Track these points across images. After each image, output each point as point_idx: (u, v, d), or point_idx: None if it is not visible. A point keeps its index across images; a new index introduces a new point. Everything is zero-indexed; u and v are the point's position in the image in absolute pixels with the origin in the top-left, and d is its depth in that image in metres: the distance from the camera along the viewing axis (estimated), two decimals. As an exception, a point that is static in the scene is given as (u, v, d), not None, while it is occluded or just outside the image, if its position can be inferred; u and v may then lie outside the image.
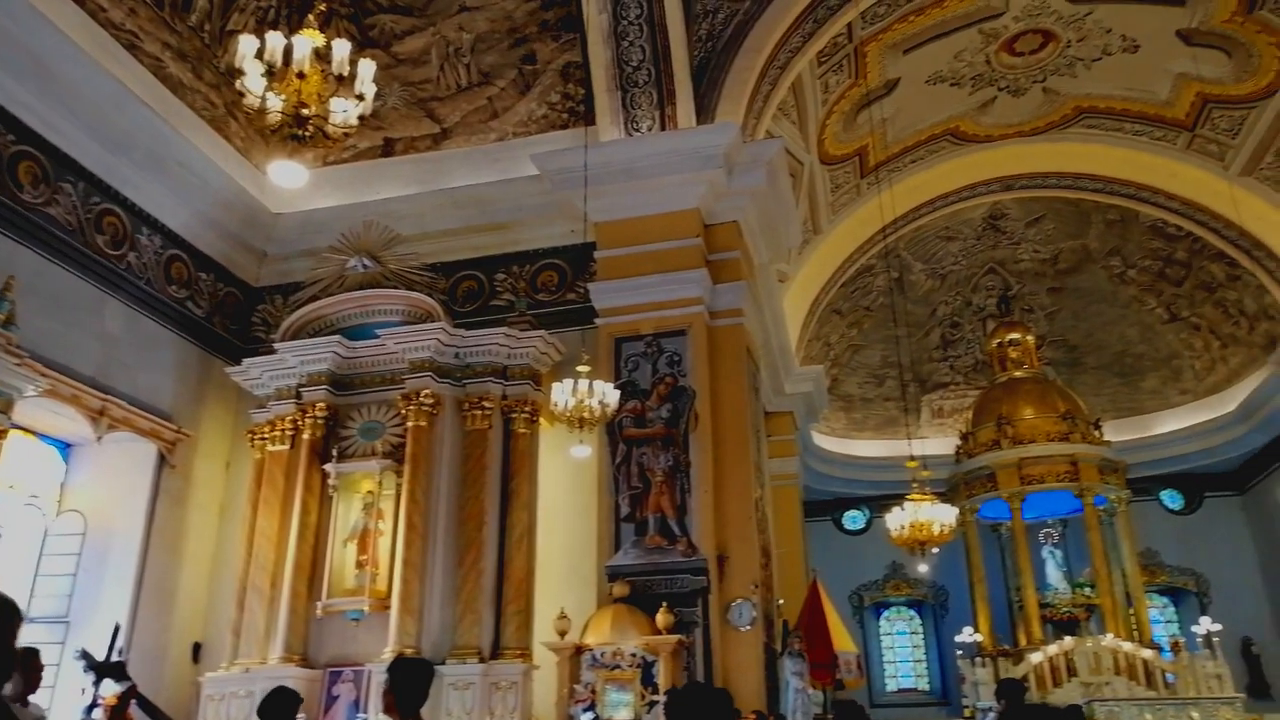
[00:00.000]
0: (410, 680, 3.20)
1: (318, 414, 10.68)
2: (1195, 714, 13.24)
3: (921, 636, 21.27)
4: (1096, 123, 15.73)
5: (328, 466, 10.44)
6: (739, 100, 11.38)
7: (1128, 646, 15.11)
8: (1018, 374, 18.10)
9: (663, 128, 11.35)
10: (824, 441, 19.81)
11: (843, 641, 12.15)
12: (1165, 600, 20.14)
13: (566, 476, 10.70)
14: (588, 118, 11.69)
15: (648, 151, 11.13)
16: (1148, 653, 15.10)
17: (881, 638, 21.40)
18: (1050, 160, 16.59)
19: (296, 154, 7.43)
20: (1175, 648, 15.38)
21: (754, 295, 12.00)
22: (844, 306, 18.84)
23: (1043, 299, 19.60)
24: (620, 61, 11.23)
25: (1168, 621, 19.62)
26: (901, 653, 21.40)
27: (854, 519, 21.44)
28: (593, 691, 8.13)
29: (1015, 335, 18.49)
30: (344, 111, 6.25)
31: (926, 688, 20.64)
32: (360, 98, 6.44)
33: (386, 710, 3.21)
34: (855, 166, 15.80)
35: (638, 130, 11.45)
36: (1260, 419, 17.76)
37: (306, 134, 5.98)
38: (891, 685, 20.89)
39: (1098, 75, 14.62)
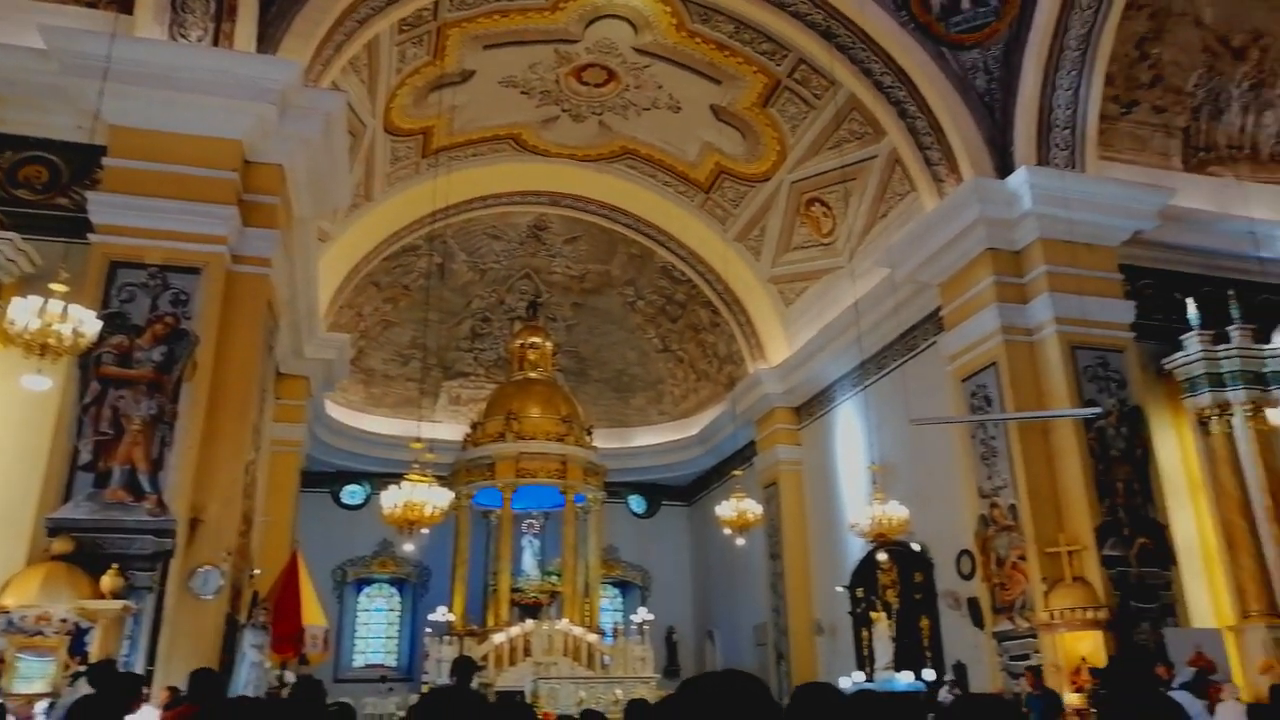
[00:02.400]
0: None
1: None
2: (619, 691, 15.18)
3: (399, 614, 21.66)
4: (637, 165, 17.56)
5: None
6: (308, 40, 10.69)
7: (578, 631, 16.89)
8: (532, 375, 19.39)
9: (215, 43, 10.23)
10: (337, 412, 19.29)
11: (313, 615, 11.87)
12: (616, 591, 22.95)
13: (15, 410, 9.03)
14: (123, 3, 10.11)
15: (194, 64, 9.93)
16: (593, 637, 17.02)
17: (359, 613, 21.39)
18: (594, 188, 18.13)
19: None
20: (616, 633, 17.56)
21: (287, 247, 11.31)
22: (383, 280, 18.60)
23: (566, 311, 21.28)
24: (177, -46, 9.92)
25: (616, 610, 22.31)
26: (376, 629, 21.58)
27: (354, 494, 21.18)
28: (-1, 660, 6.93)
29: (536, 339, 19.80)
30: None
31: (394, 664, 21.02)
32: None
33: None
34: (418, 144, 15.73)
35: (185, 37, 10.18)
36: (712, 445, 21.15)
37: None
38: (360, 660, 20.94)
39: (646, 123, 16.34)
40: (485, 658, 15.98)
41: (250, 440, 10.18)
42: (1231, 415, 11.63)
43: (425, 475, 13.63)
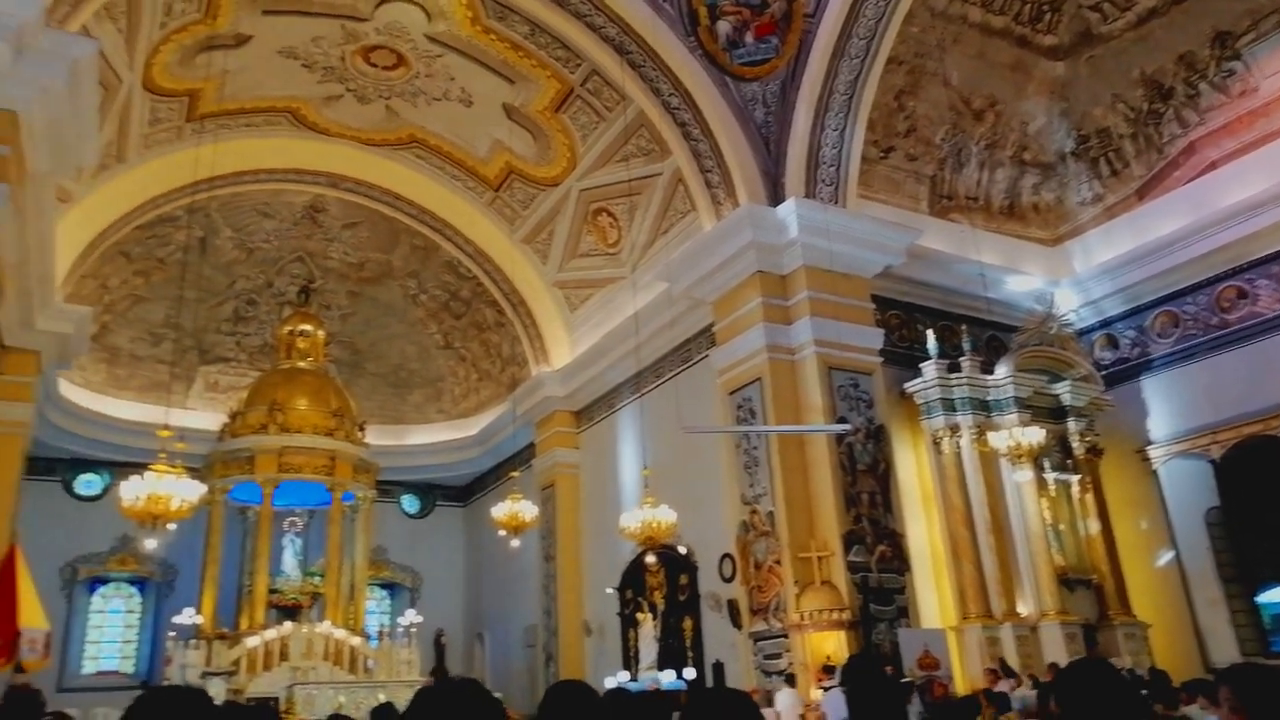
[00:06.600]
0: None
1: None
2: (383, 695, 14.70)
3: (139, 616, 19.90)
4: (425, 155, 17.08)
5: None
6: (56, -25, 9.60)
7: (340, 633, 16.21)
8: (301, 364, 18.38)
9: (-64, -31, 8.95)
10: (74, 393, 17.50)
11: (32, 617, 10.70)
12: (384, 593, 22.22)
13: None
14: None
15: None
16: (356, 640, 16.38)
17: (91, 615, 19.46)
18: (379, 174, 17.46)
19: None
20: (381, 637, 16.97)
21: (18, 204, 10.15)
22: (135, 251, 17.01)
23: (341, 299, 20.34)
24: None
25: (383, 613, 21.60)
26: (112, 632, 19.71)
27: (89, 484, 19.27)
28: None
29: (308, 326, 18.78)
30: None
31: (132, 670, 19.30)
32: None
33: None
34: (183, 107, 14.52)
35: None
36: (491, 445, 20.95)
37: None
38: (90, 667, 19.05)
39: (436, 113, 15.93)
40: (237, 662, 15.08)
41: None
42: (960, 437, 12.90)
43: (174, 466, 12.57)
